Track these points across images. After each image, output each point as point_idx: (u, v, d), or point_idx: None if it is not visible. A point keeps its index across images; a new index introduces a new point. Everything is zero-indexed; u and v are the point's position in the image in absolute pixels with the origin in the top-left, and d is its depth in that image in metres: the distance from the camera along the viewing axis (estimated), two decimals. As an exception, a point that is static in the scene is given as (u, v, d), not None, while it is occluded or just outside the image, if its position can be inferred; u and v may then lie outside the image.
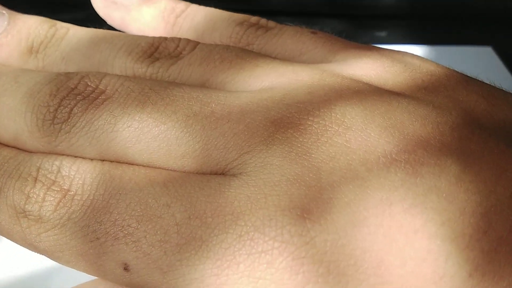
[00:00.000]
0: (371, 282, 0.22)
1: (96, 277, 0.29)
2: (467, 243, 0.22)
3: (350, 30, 1.30)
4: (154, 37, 0.35)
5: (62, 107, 0.29)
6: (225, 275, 0.24)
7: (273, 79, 0.31)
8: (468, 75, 0.34)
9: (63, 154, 0.29)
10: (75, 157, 0.29)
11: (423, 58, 0.34)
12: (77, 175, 0.27)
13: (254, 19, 0.38)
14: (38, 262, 0.72)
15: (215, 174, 0.28)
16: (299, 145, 0.26)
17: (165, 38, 0.35)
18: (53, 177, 0.27)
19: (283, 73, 0.31)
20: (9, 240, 0.75)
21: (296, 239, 0.24)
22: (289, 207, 0.24)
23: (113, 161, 0.28)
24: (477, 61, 1.09)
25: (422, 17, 1.24)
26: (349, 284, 0.22)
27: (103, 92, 0.30)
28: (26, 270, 0.71)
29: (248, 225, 0.24)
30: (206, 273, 0.24)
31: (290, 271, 0.23)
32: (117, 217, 0.25)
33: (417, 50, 1.20)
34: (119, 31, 0.41)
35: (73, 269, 0.78)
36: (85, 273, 0.76)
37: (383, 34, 1.22)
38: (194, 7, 0.40)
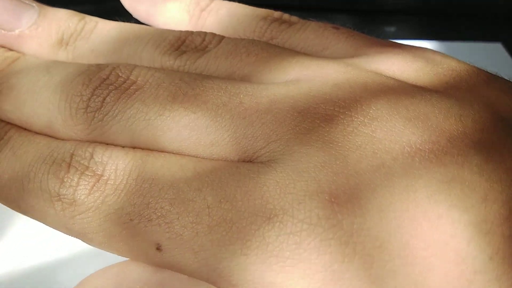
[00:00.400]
0: (396, 263, 0.23)
1: (126, 259, 0.30)
2: (488, 229, 0.23)
3: (359, 25, 1.31)
4: (180, 31, 0.36)
5: (95, 97, 0.30)
6: (254, 254, 0.25)
7: (298, 72, 0.31)
8: None
9: (95, 142, 0.30)
10: (107, 144, 0.30)
11: (443, 54, 0.35)
12: (110, 161, 0.28)
13: (277, 14, 0.39)
14: (45, 258, 0.73)
15: (243, 161, 0.29)
16: (325, 134, 0.26)
17: (192, 32, 0.36)
18: (86, 163, 0.28)
19: (308, 66, 0.32)
20: (16, 237, 0.76)
21: (324, 221, 0.25)
22: (317, 192, 0.25)
23: (144, 149, 0.29)
24: (486, 57, 1.10)
25: (431, 13, 1.25)
26: (374, 264, 0.23)
27: (134, 82, 0.31)
28: (33, 266, 0.72)
29: (277, 208, 0.26)
30: (236, 253, 0.26)
31: (318, 251, 0.25)
32: (150, 200, 0.26)
33: (426, 45, 1.21)
34: (144, 24, 0.42)
35: (78, 265, 0.79)
36: (93, 266, 0.76)
37: (392, 29, 1.23)
38: (218, 1, 0.41)
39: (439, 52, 0.35)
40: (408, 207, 0.24)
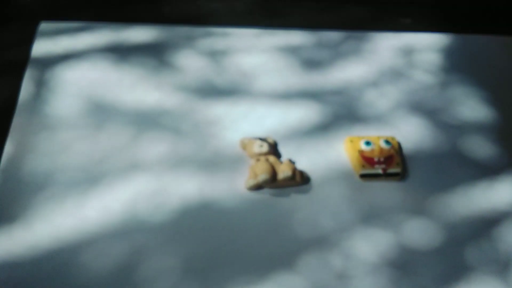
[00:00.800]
0: None
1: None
2: None
3: (374, 16, 1.30)
4: None
5: None
6: None
7: None
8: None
9: None
10: None
11: None
12: None
13: None
14: (68, 238, 0.74)
15: None
16: None
17: None
18: None
19: None
20: (38, 218, 0.77)
21: None
22: None
23: None
24: (505, 51, 1.07)
25: (448, 4, 1.22)
26: None
27: None
28: (56, 245, 0.73)
29: None
30: None
31: None
32: None
33: (442, 38, 1.20)
34: None
35: (102, 244, 0.80)
36: (111, 250, 0.77)
37: (407, 21, 1.22)
38: None
39: None
40: None
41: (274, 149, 0.90)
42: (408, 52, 1.12)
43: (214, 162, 0.87)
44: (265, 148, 0.87)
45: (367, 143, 0.91)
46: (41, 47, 0.99)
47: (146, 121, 0.91)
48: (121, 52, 1.02)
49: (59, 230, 0.75)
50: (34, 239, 0.73)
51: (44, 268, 0.70)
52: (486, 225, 0.84)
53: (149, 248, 0.75)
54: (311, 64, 1.06)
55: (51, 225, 0.75)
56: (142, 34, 1.06)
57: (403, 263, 0.78)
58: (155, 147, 0.87)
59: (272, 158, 0.86)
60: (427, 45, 1.14)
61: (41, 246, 0.73)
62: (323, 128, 0.95)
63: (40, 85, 0.94)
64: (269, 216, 0.81)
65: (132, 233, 0.76)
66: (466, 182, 0.90)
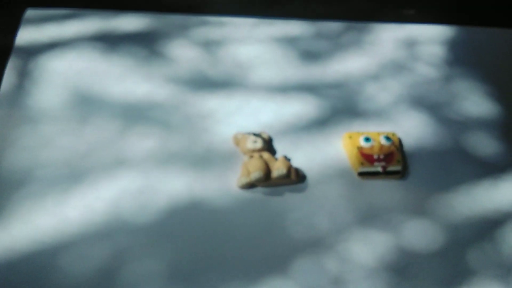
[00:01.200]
0: None
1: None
2: None
3: (376, 7, 1.28)
4: None
5: None
6: None
7: None
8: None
9: None
10: None
11: None
12: None
13: None
14: (47, 239, 0.72)
15: None
16: None
17: None
18: None
19: None
20: (15, 221, 0.74)
21: None
22: None
23: None
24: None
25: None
26: None
27: None
28: (34, 246, 0.71)
29: None
30: None
31: None
32: None
33: (447, 30, 1.18)
34: None
35: (83, 247, 0.78)
36: (93, 252, 0.74)
37: (411, 12, 1.19)
38: None
39: None
40: None
41: (268, 145, 0.88)
42: (411, 44, 1.10)
43: (205, 159, 0.85)
44: (259, 144, 0.85)
45: (367, 139, 0.90)
46: (26, 35, 0.98)
47: (135, 114, 0.89)
48: (110, 41, 1.00)
49: (38, 231, 0.73)
50: (11, 240, 0.72)
51: (21, 272, 0.69)
52: (489, 226, 0.83)
53: (134, 250, 0.73)
54: (310, 56, 1.04)
55: (29, 225, 0.73)
56: (133, 22, 1.05)
57: (402, 266, 0.76)
58: (143, 142, 0.86)
59: (266, 155, 0.85)
60: (431, 37, 1.13)
61: (18, 248, 0.71)
62: (320, 123, 0.93)
63: (23, 75, 0.92)
64: (262, 217, 0.79)
65: (116, 234, 0.74)
66: (469, 181, 0.89)
